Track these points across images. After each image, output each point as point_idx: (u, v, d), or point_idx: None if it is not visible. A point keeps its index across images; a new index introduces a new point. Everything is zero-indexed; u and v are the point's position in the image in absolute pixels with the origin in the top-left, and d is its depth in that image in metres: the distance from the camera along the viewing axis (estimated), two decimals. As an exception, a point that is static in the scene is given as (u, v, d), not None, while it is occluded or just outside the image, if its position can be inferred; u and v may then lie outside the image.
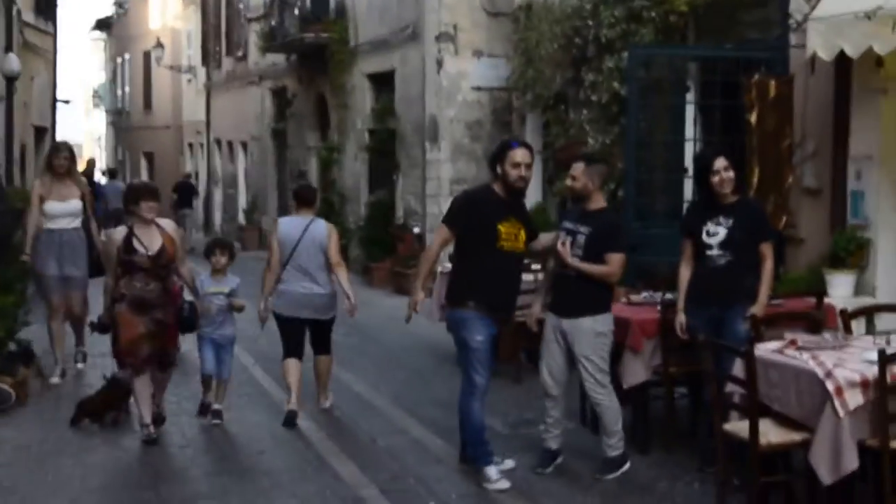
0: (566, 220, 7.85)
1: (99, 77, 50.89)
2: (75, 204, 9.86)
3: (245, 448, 8.55)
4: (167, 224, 8.22)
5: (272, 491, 7.41)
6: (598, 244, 7.50)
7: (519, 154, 7.56)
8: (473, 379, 7.45)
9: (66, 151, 10.18)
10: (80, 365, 10.88)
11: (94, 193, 14.04)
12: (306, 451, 8.36)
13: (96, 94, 50.31)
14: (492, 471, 7.39)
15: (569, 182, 7.78)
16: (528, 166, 7.67)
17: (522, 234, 7.70)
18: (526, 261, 8.33)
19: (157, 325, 7.97)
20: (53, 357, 10.38)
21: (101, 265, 9.84)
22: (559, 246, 7.52)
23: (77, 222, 9.96)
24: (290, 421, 8.93)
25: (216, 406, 8.82)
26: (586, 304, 7.53)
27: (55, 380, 10.22)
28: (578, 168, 7.74)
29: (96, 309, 10.38)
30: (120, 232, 7.89)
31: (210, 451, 8.52)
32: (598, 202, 7.77)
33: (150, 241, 7.84)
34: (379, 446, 8.30)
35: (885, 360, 5.86)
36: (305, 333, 9.22)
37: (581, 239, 7.50)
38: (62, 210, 9.70)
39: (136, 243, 7.79)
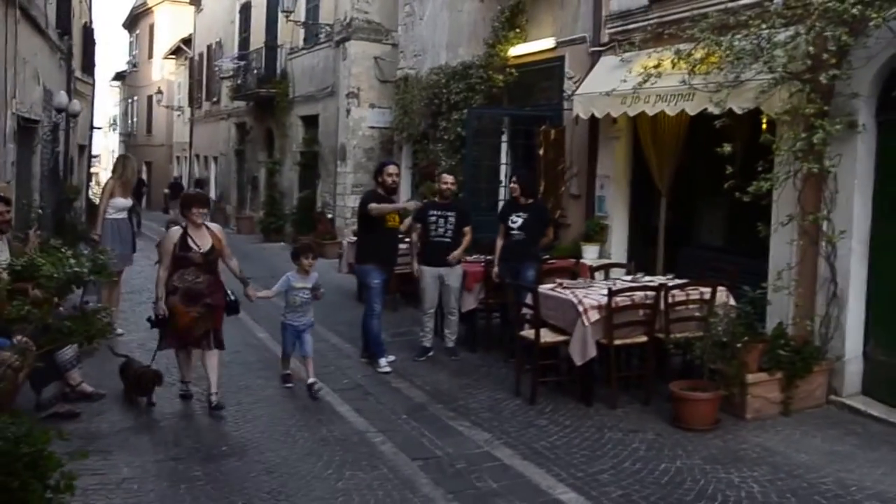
0: (431, 209, 8.06)
1: (114, 110, 49.27)
2: (129, 200, 9.09)
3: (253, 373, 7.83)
4: (215, 227, 6.66)
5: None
6: (461, 221, 7.96)
7: (390, 168, 7.93)
8: (373, 306, 7.67)
9: (127, 162, 9.34)
10: (120, 330, 9.02)
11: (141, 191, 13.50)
12: (267, 353, 8.29)
13: (112, 122, 48.73)
14: (382, 361, 7.63)
15: (444, 186, 8.09)
16: (397, 175, 8.01)
17: (397, 218, 7.95)
18: (400, 235, 8.32)
19: (207, 308, 6.34)
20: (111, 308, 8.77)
21: (135, 243, 9.33)
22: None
23: (126, 214, 9.05)
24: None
25: (311, 380, 6.88)
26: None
27: (120, 331, 8.76)
28: (450, 178, 8.16)
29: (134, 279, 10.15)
30: (176, 232, 6.41)
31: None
32: (454, 197, 8.24)
33: (201, 241, 6.39)
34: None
35: (611, 293, 6.36)
36: None
37: (451, 219, 7.88)
38: (124, 205, 8.92)
39: (190, 242, 6.33)
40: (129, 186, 9.18)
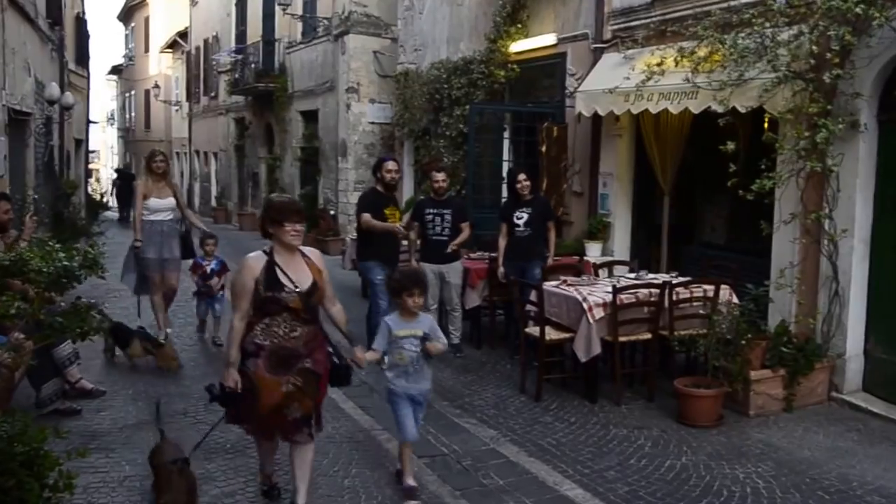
0: (427, 207, 8.04)
1: (111, 105, 49.11)
2: (170, 200, 8.19)
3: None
4: (312, 252, 4.43)
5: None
6: (458, 218, 7.94)
7: (389, 164, 7.92)
8: (378, 304, 7.69)
9: (162, 156, 8.40)
10: (162, 336, 8.24)
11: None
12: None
13: (110, 117, 48.48)
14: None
15: (436, 184, 8.03)
16: (397, 171, 8.01)
17: (398, 214, 7.97)
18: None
19: (305, 377, 4.22)
20: (157, 323, 8.39)
21: (192, 248, 8.50)
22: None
23: (171, 215, 8.21)
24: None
25: (410, 482, 4.84)
26: (455, 255, 7.97)
27: (166, 332, 8.35)
28: (441, 175, 8.07)
29: (186, 285, 8.81)
30: (257, 260, 4.20)
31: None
32: (449, 194, 8.27)
33: (297, 274, 4.21)
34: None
35: (616, 291, 6.44)
36: None
37: (448, 216, 7.86)
38: (161, 205, 8.10)
39: (281, 276, 4.16)
40: (166, 183, 8.30)
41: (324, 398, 4.51)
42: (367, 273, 7.97)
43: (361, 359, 4.52)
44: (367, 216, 7.71)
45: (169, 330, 8.49)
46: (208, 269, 8.51)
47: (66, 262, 5.16)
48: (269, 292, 4.15)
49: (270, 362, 4.17)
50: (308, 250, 4.41)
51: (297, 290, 4.19)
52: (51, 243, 5.71)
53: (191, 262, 8.57)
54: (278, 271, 4.19)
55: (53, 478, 3.47)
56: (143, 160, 8.63)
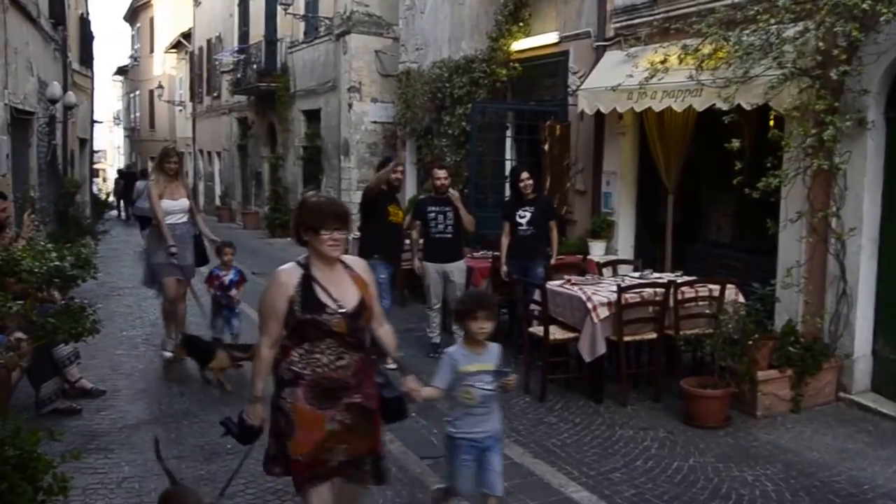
0: (429, 205, 7.95)
1: (118, 105, 49.22)
2: (184, 202, 7.54)
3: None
4: (356, 263, 3.61)
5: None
6: (460, 215, 7.80)
7: (396, 167, 7.86)
8: (381, 303, 7.66)
9: (175, 156, 7.77)
10: (167, 353, 7.69)
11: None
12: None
13: (116, 117, 48.58)
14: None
15: (437, 182, 7.94)
16: (402, 171, 8.02)
17: (401, 213, 7.89)
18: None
19: (355, 414, 3.40)
20: (167, 333, 7.83)
21: (205, 253, 7.83)
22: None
23: (185, 217, 7.55)
24: None
25: None
26: (459, 254, 7.90)
27: (167, 354, 7.69)
28: (443, 172, 8.01)
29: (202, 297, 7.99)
30: (291, 274, 3.40)
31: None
32: (449, 192, 8.23)
33: (341, 292, 3.40)
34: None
35: (621, 290, 6.35)
36: None
37: (450, 214, 7.76)
38: (174, 207, 7.44)
39: (320, 293, 3.36)
40: (180, 183, 7.66)
41: (381, 441, 3.62)
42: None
43: (416, 393, 3.58)
44: (363, 214, 7.70)
45: (168, 353, 7.65)
46: (226, 280, 7.67)
47: (57, 263, 5.07)
48: (308, 314, 3.32)
49: (312, 394, 3.34)
50: (351, 260, 3.57)
51: (342, 310, 3.35)
52: (42, 243, 5.61)
53: (206, 272, 7.96)
54: (317, 288, 3.37)
55: (47, 481, 3.39)
56: (156, 159, 8.01)
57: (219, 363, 6.74)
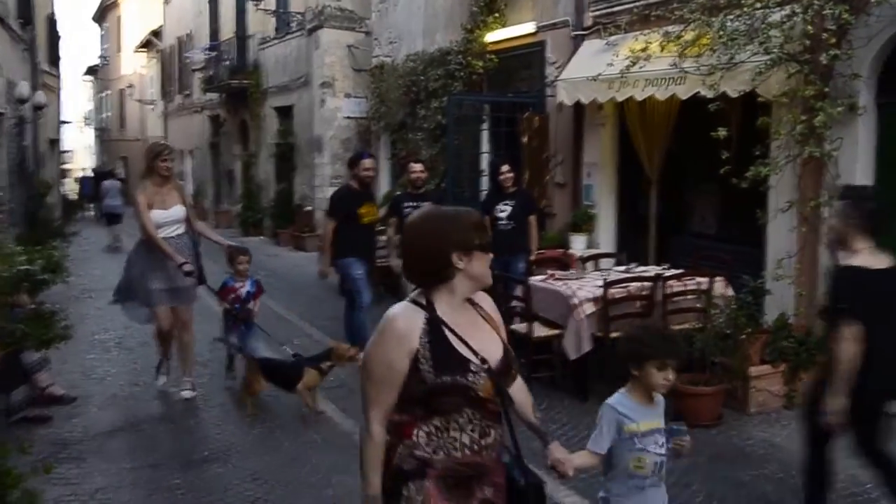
0: (406, 201, 7.80)
1: (88, 106, 48.49)
2: (178, 209, 6.17)
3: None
4: (484, 299, 2.54)
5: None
6: None
7: (367, 162, 7.61)
8: (361, 299, 7.36)
9: (168, 151, 6.28)
10: (186, 394, 6.40)
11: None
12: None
13: (86, 118, 47.90)
14: None
15: (413, 175, 7.79)
16: (374, 168, 7.74)
17: (374, 210, 7.71)
18: (380, 227, 8.16)
19: None
20: (161, 364, 6.69)
21: (202, 272, 6.32)
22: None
23: (182, 229, 6.18)
24: None
25: None
26: None
27: (161, 381, 6.65)
28: (419, 166, 7.88)
29: (203, 330, 7.12)
30: (411, 318, 2.31)
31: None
32: (427, 186, 7.99)
33: (479, 339, 2.36)
34: (294, 344, 7.15)
35: (607, 285, 6.15)
36: None
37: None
38: (166, 217, 6.08)
39: (458, 346, 2.30)
40: (172, 187, 6.29)
41: None
42: (346, 269, 7.59)
43: (565, 465, 2.57)
44: (329, 226, 7.44)
45: (187, 394, 6.43)
46: (242, 293, 6.70)
47: (27, 266, 4.76)
48: (445, 376, 2.29)
49: (446, 485, 2.33)
50: (479, 295, 2.53)
51: (486, 366, 2.35)
52: (10, 245, 5.27)
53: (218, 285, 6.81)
54: (451, 337, 2.34)
55: (16, 496, 3.27)
56: (145, 158, 6.36)
57: (310, 380, 5.86)
